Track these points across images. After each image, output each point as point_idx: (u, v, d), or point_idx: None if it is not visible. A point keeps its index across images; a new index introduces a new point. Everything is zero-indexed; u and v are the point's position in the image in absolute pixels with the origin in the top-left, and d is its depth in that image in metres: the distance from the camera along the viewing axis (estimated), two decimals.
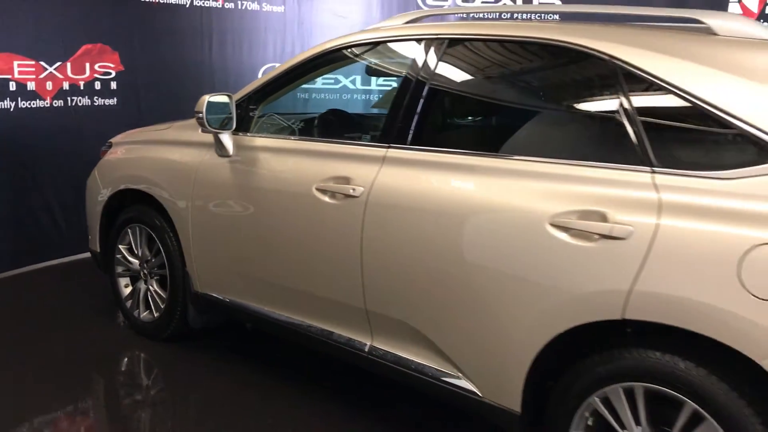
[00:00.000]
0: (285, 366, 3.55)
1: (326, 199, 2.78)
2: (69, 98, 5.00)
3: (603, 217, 2.09)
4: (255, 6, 6.05)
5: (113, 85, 5.24)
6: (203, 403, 3.21)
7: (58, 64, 4.89)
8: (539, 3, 6.29)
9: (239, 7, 5.95)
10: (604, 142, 2.30)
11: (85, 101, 5.09)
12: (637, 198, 2.06)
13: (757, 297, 1.82)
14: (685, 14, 2.33)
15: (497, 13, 5.87)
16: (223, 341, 3.84)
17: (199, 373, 3.47)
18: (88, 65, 5.07)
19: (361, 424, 3.03)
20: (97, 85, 5.15)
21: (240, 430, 2.97)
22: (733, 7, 5.95)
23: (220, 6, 5.82)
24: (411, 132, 2.65)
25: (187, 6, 5.60)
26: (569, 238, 2.14)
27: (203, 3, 5.70)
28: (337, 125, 3.46)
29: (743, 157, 1.96)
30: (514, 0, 6.49)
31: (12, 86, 4.66)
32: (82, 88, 5.06)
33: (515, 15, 6.02)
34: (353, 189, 2.69)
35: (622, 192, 2.10)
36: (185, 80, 5.62)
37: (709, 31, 2.23)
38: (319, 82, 6.35)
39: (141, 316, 3.81)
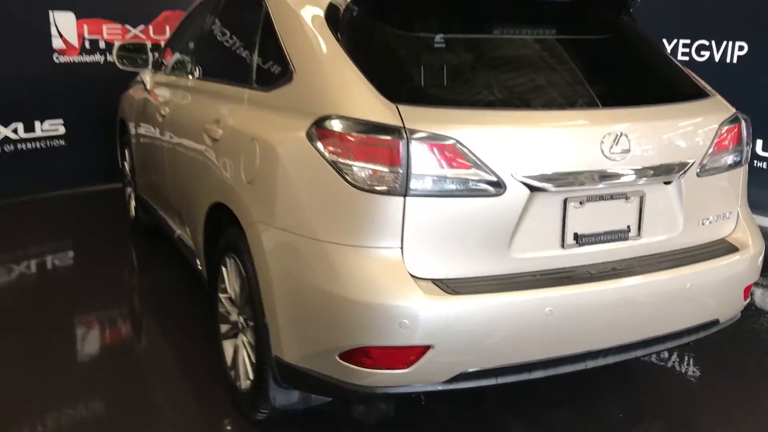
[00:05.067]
0: None
1: (159, 118, 3.64)
2: (152, 53, 6.35)
3: (218, 124, 2.71)
4: None
5: None
6: (157, 285, 4.26)
7: (142, 27, 6.27)
8: None
9: None
10: (241, 67, 2.84)
11: None
12: (235, 108, 2.65)
13: (245, 181, 2.35)
14: None
15: None
16: None
17: (156, 263, 4.54)
18: (168, 28, 6.38)
19: None
20: None
21: (187, 303, 3.81)
22: None
23: None
24: (196, 66, 3.41)
25: None
26: (208, 140, 2.79)
27: None
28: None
29: (282, 77, 2.44)
30: None
31: (101, 44, 6.13)
32: (162, 46, 6.38)
33: None
34: (164, 110, 3.53)
35: (232, 104, 2.69)
36: None
37: None
38: None
39: (131, 215, 5.01)
